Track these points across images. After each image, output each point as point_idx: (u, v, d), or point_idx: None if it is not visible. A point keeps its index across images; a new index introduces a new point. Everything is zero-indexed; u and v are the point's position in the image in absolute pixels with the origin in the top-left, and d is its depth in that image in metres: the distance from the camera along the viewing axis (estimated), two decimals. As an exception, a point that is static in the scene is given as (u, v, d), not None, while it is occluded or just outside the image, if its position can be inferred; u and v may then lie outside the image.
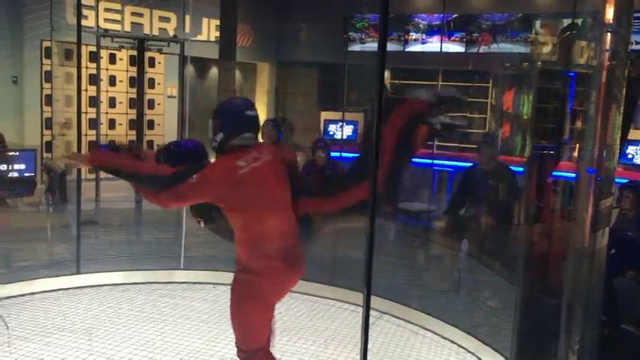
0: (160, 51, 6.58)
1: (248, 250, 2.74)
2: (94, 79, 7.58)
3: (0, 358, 3.68)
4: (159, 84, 9.48)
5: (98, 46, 6.21)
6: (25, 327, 4.14)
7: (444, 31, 9.82)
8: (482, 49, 9.48)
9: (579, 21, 6.11)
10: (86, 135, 7.47)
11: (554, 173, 4.41)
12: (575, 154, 5.99)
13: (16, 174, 4.88)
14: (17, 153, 4.96)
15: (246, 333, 2.82)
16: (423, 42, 10.15)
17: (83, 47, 5.55)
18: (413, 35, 10.22)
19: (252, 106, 2.84)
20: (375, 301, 4.80)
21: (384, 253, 5.54)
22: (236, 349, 2.87)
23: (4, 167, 4.81)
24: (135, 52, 7.40)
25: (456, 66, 9.80)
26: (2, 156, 4.83)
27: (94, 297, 4.81)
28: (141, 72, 6.23)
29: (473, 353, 4.14)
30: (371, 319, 4.63)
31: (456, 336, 4.31)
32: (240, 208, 2.69)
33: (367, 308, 2.12)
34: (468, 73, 9.81)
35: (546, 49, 8.78)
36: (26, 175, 4.82)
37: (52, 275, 4.92)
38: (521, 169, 5.52)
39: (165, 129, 9.58)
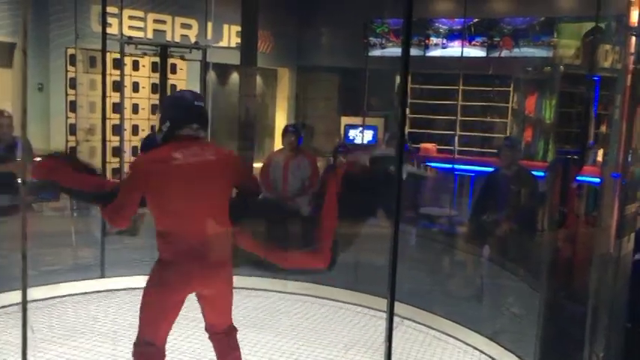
0: (182, 57, 6.66)
1: (160, 241, 2.75)
2: (118, 86, 7.67)
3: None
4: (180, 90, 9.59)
5: (122, 53, 6.31)
6: (50, 330, 4.21)
7: (464, 35, 9.78)
8: (504, 53, 9.43)
9: (603, 24, 6.05)
10: (110, 141, 7.58)
11: (578, 178, 4.37)
12: (600, 158, 5.93)
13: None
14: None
15: (141, 323, 2.84)
16: (444, 46, 10.12)
17: (107, 54, 5.64)
18: (433, 40, 10.20)
19: (200, 98, 2.87)
20: (396, 306, 4.82)
21: (405, 258, 5.53)
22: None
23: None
24: (157, 59, 7.50)
25: (477, 70, 9.75)
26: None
27: (118, 301, 4.87)
28: (163, 78, 6.32)
29: (494, 359, 4.11)
30: (394, 323, 4.66)
31: (478, 342, 4.28)
32: (159, 199, 2.69)
33: (391, 314, 2.11)
34: (489, 77, 9.75)
35: (569, 52, 8.70)
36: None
37: (77, 279, 4.99)
38: (542, 173, 5.47)
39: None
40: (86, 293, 4.94)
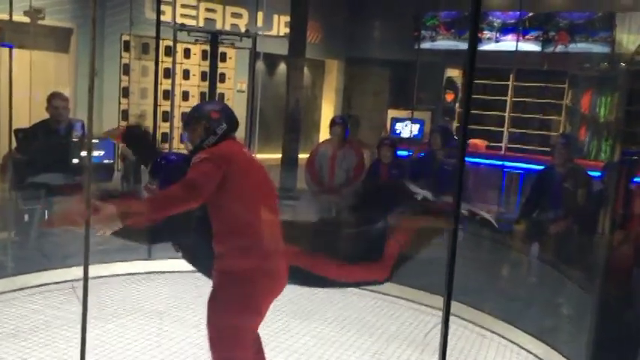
0: (232, 45, 6.69)
1: (237, 249, 2.59)
2: (169, 73, 7.79)
3: (72, 337, 3.85)
4: (229, 79, 9.66)
5: (175, 40, 6.39)
6: (99, 307, 4.31)
7: (519, 29, 9.52)
8: (559, 48, 9.13)
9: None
10: (159, 127, 7.72)
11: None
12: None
13: (95, 161, 5.08)
14: (97, 140, 5.18)
15: (231, 347, 2.60)
16: (497, 40, 9.88)
17: (160, 41, 5.72)
18: (487, 34, 9.96)
19: None
20: (441, 301, 4.75)
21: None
22: None
23: (84, 154, 5.01)
24: (208, 47, 7.57)
25: (531, 66, 9.48)
26: (84, 143, 5.04)
27: (164, 282, 4.95)
28: (213, 66, 6.36)
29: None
30: (436, 321, 4.59)
31: (524, 340, 4.18)
32: (242, 193, 2.61)
33: (447, 311, 2.04)
34: (543, 73, 9.47)
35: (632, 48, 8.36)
36: (105, 161, 5.03)
37: (125, 260, 5.09)
38: (597, 173, 5.28)
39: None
40: (133, 274, 5.04)
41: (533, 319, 4.33)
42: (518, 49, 9.61)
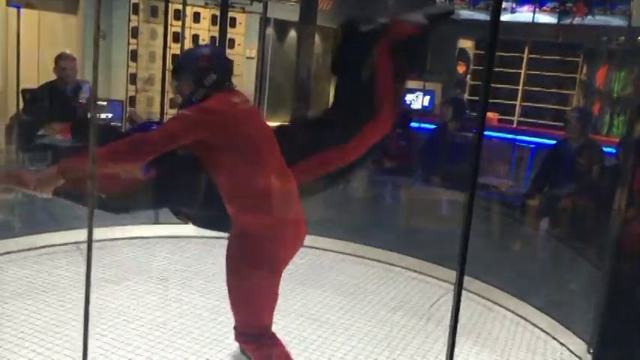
0: (243, 9, 6.56)
1: (248, 208, 2.39)
2: (178, 37, 7.68)
3: (78, 298, 3.86)
4: (239, 44, 9.52)
5: (184, 4, 6.26)
6: (105, 270, 4.31)
7: (535, 0, 9.33)
8: (576, 20, 8.93)
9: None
10: (168, 92, 7.65)
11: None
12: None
13: (103, 123, 5.05)
14: (105, 103, 5.13)
15: (252, 309, 2.46)
16: (513, 11, 9.68)
17: (169, 4, 5.62)
18: (503, 4, 9.76)
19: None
20: (448, 274, 4.73)
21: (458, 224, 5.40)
22: (236, 333, 2.52)
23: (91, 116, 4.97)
24: (218, 12, 7.42)
25: (546, 38, 9.30)
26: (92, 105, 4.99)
27: (169, 247, 4.95)
28: (223, 30, 6.24)
29: (549, 334, 3.98)
30: (443, 292, 4.58)
31: (531, 314, 4.16)
32: (242, 150, 2.36)
33: (459, 286, 1.97)
34: (558, 45, 9.29)
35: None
36: (112, 124, 4.99)
37: (132, 223, 5.08)
38: (610, 149, 5.19)
39: (243, 91, 9.66)
40: (139, 238, 5.04)
41: (541, 294, 4.30)
42: (535, 20, 9.44)
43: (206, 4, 7.01)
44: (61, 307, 3.70)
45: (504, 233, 5.19)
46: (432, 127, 6.14)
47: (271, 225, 2.39)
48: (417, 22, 2.70)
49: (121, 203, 2.68)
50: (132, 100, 8.50)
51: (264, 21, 6.18)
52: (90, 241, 2.43)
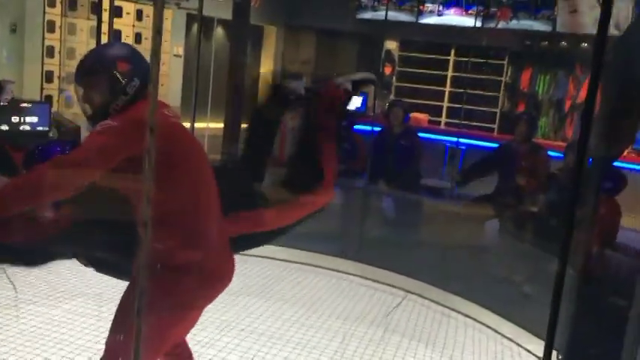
0: (178, 5, 6.18)
1: (175, 237, 1.97)
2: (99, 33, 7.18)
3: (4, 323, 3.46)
4: (165, 41, 9.07)
5: (110, -3, 5.80)
6: (33, 291, 3.90)
7: (461, 3, 9.52)
8: (501, 24, 9.19)
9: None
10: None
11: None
12: None
13: (28, 127, 4.55)
14: (31, 105, 4.61)
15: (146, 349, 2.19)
16: (439, 14, 9.83)
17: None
18: (429, 6, 9.89)
19: None
20: (403, 280, 4.67)
21: (411, 231, 5.37)
22: None
23: (15, 120, 4.46)
24: (142, 6, 6.99)
25: (471, 41, 9.52)
26: (15, 107, 4.48)
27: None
28: (159, 27, 5.83)
29: (513, 340, 4.00)
30: (396, 299, 4.51)
31: (486, 318, 4.17)
32: (173, 166, 1.95)
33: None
34: (483, 48, 9.54)
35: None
36: (39, 129, 4.49)
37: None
38: (556, 154, 5.32)
39: (170, 90, 9.23)
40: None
41: (493, 297, 4.32)
42: (459, 23, 9.64)
43: (136, -2, 6.55)
44: (-8, 338, 3.28)
45: (455, 236, 5.19)
46: (374, 129, 6.05)
47: (197, 260, 2.00)
48: (345, 87, 2.57)
49: (39, 253, 2.17)
50: (47, 100, 7.86)
51: (200, 18, 5.85)
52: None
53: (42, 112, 4.59)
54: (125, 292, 2.08)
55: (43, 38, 7.85)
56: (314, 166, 2.49)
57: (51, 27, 7.83)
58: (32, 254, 2.15)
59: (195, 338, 3.40)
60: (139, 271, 1.38)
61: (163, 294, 1.92)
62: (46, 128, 4.60)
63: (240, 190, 2.34)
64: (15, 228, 1.96)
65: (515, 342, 3.97)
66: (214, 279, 2.09)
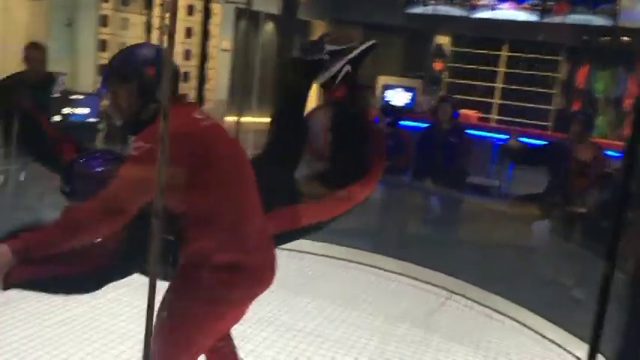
0: (226, 0, 6.21)
1: (215, 237, 1.93)
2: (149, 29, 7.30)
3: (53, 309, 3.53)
4: (214, 36, 9.14)
5: (159, -8, 5.90)
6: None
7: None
8: (558, 19, 8.88)
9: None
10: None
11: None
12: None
13: (78, 119, 4.66)
14: (82, 97, 4.73)
15: (189, 345, 2.01)
16: (493, 8, 9.57)
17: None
18: (483, 1, 9.65)
19: None
20: (446, 280, 4.56)
21: (455, 229, 5.25)
22: None
23: (66, 111, 4.58)
24: (194, 2, 7.07)
25: (526, 36, 9.24)
26: (66, 99, 4.59)
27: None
28: (206, 22, 5.85)
29: (555, 342, 3.85)
30: (439, 298, 4.40)
31: (532, 322, 4.02)
32: (207, 169, 1.90)
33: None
34: (539, 44, 9.23)
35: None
36: (90, 120, 4.58)
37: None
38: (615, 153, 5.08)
39: (217, 83, 9.33)
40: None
41: (543, 298, 4.16)
42: (514, 18, 9.36)
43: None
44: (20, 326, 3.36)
45: (498, 235, 5.03)
46: (421, 125, 5.95)
47: (238, 260, 1.96)
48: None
49: (98, 278, 2.12)
50: (99, 93, 8.07)
51: (249, 12, 5.82)
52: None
53: (92, 103, 4.69)
54: (174, 289, 2.02)
55: (97, 32, 8.05)
56: (357, 157, 2.41)
57: (104, 21, 8.03)
58: (86, 281, 2.11)
59: (233, 332, 3.41)
60: (152, 264, 1.34)
61: (205, 293, 1.93)
62: (96, 119, 4.69)
63: (272, 185, 2.26)
64: (63, 260, 1.97)
65: (562, 347, 3.81)
66: (256, 278, 2.03)
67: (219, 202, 1.94)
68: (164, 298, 2.00)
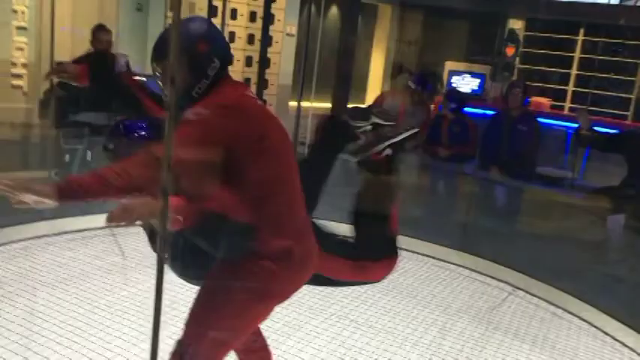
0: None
1: (264, 223, 1.87)
2: (217, 12, 7.33)
3: (112, 288, 3.59)
4: (279, 20, 9.11)
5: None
6: (134, 258, 4.03)
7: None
8: (641, 0, 8.30)
9: None
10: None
11: None
12: None
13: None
14: (145, 79, 4.77)
15: (224, 342, 1.94)
16: (570, -10, 9.07)
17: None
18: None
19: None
20: (511, 274, 4.35)
21: (522, 221, 5.02)
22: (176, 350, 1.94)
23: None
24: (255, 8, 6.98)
25: (605, 19, 8.69)
26: (130, 80, 4.66)
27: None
28: (268, 6, 5.79)
29: (628, 346, 3.59)
30: (502, 293, 4.20)
31: (602, 322, 3.76)
32: (265, 153, 1.86)
33: None
34: (618, 27, 8.67)
35: None
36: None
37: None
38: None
39: (282, 68, 9.30)
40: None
41: (615, 298, 3.89)
42: (593, 0, 8.84)
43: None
44: (92, 299, 3.43)
45: (567, 229, 4.75)
46: (489, 112, 5.70)
47: (287, 246, 1.90)
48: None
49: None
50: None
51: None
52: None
53: (153, 87, 4.72)
54: (220, 278, 1.95)
55: (165, 16, 8.17)
56: (385, 234, 2.31)
57: (171, 5, 8.12)
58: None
59: (283, 319, 3.37)
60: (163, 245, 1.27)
61: (253, 281, 1.87)
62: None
63: None
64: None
65: (635, 351, 3.55)
66: (304, 266, 1.98)
67: (274, 181, 1.89)
68: (205, 289, 1.95)
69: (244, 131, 1.81)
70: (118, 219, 1.74)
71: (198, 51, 1.86)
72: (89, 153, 4.99)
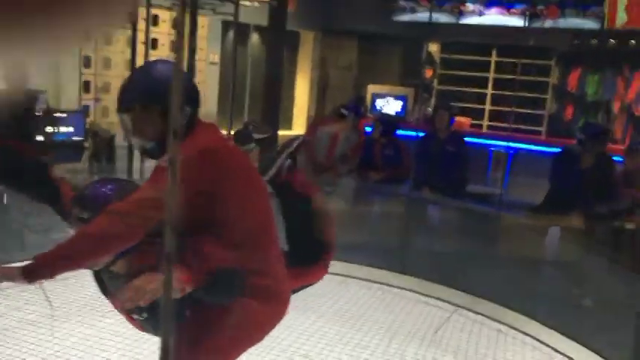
0: (213, 10, 6.06)
1: (244, 261, 1.86)
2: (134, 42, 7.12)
3: (41, 341, 3.32)
4: (201, 49, 8.99)
5: (148, 4, 5.70)
6: (66, 307, 3.76)
7: (504, 2, 9.19)
8: (547, 23, 8.82)
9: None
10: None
11: None
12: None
13: (62, 138, 4.46)
14: (65, 115, 4.53)
15: None
16: (480, 14, 9.51)
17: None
18: (470, 6, 9.58)
19: None
20: (452, 293, 4.39)
21: (458, 240, 5.10)
22: None
23: (50, 130, 4.38)
24: (177, 14, 6.86)
25: (516, 41, 9.16)
26: (48, 117, 4.40)
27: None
28: (193, 34, 5.69)
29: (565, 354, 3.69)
30: (446, 313, 4.23)
31: (540, 333, 3.86)
32: (248, 187, 1.92)
33: None
34: (529, 49, 9.17)
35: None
36: (74, 139, 4.37)
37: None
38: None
39: (206, 97, 9.14)
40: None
41: (555, 313, 4.00)
42: (503, 23, 9.30)
43: (173, 5, 6.41)
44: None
45: (505, 245, 4.88)
46: (417, 134, 5.80)
47: (265, 287, 1.92)
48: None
49: None
50: (84, 110, 7.84)
51: (236, 25, 5.66)
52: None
53: (77, 121, 4.50)
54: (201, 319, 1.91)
55: (80, 48, 7.85)
56: (315, 238, 2.33)
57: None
58: None
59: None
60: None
61: (233, 320, 1.90)
62: (81, 138, 4.50)
63: None
64: None
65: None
66: (281, 303, 2.03)
67: (252, 222, 1.92)
68: (189, 336, 1.85)
69: (223, 175, 1.84)
70: (132, 302, 1.70)
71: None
72: (5, 195, 4.66)
